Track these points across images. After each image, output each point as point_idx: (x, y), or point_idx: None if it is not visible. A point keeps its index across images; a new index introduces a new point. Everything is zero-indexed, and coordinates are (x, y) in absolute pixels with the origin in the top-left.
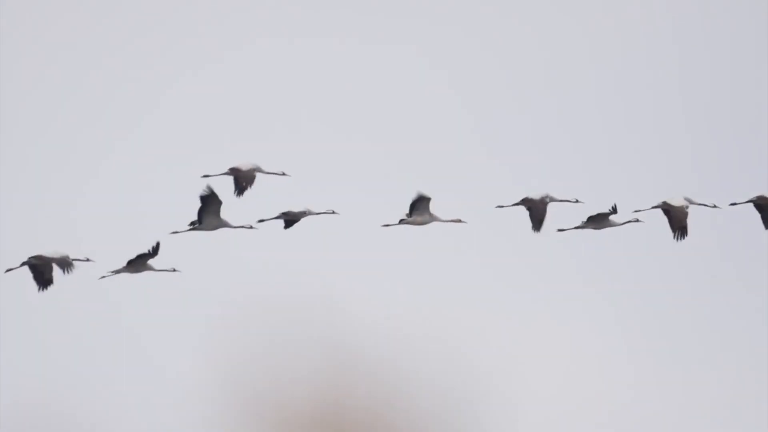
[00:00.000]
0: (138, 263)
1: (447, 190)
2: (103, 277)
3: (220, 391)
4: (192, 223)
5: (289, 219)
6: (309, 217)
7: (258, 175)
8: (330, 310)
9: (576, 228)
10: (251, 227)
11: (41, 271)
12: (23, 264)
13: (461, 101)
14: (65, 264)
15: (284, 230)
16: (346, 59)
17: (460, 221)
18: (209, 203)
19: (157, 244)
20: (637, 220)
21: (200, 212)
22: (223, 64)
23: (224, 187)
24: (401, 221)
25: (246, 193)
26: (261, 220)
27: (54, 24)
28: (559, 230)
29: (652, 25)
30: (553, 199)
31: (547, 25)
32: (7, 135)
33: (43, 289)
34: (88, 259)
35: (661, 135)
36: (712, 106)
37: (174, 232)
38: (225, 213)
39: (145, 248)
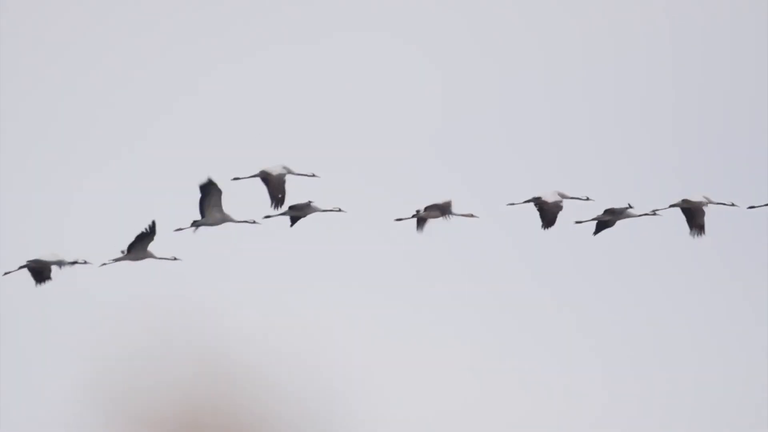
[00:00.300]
0: (138, 248)
1: (452, 187)
2: (104, 264)
3: (91, 392)
4: (195, 223)
5: (295, 216)
6: (316, 214)
7: (288, 177)
8: (205, 316)
9: (593, 219)
10: (254, 222)
11: (40, 271)
12: (21, 267)
13: (465, 101)
14: (61, 264)
15: (290, 228)
16: (347, 60)
17: (472, 216)
18: (209, 193)
19: (153, 224)
20: (655, 213)
21: (201, 205)
22: (225, 66)
23: (253, 188)
24: (415, 215)
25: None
26: (267, 216)
27: (54, 24)
28: (577, 222)
29: (669, 21)
30: (564, 197)
31: (553, 22)
32: (6, 135)
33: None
34: (85, 262)
35: (667, 135)
36: (716, 105)
37: (178, 230)
38: (228, 207)
39: (143, 228)
